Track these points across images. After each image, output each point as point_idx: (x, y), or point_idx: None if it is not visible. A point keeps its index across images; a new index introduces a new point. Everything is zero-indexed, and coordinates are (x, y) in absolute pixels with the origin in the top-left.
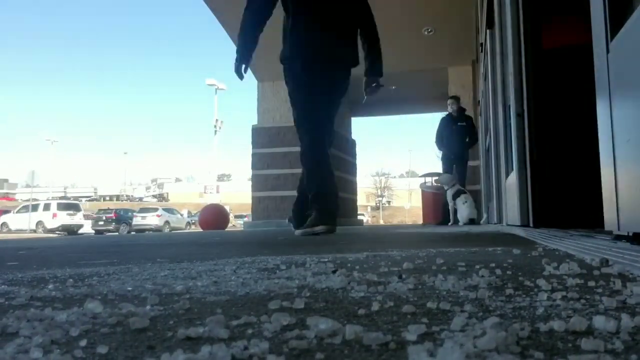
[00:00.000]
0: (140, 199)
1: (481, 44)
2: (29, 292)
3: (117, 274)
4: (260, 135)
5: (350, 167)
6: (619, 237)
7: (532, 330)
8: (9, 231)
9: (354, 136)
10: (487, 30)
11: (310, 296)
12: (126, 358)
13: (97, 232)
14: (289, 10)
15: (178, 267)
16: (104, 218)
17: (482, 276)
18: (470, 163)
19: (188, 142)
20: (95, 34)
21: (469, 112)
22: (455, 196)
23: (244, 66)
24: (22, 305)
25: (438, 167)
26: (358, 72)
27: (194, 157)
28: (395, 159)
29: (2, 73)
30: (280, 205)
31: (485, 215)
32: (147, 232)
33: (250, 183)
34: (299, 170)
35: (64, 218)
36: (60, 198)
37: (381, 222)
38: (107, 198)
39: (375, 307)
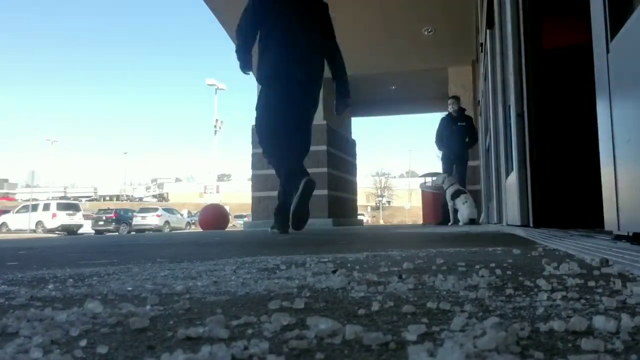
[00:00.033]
0: (140, 199)
1: (481, 44)
2: (29, 292)
3: (117, 274)
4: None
5: (350, 167)
6: (619, 237)
7: (532, 330)
8: (9, 231)
9: (354, 136)
10: (487, 30)
11: (310, 296)
12: (126, 358)
13: (97, 232)
14: (262, 36)
15: (178, 267)
16: (104, 218)
17: (482, 276)
18: (470, 163)
19: (188, 142)
20: (95, 34)
21: (469, 112)
22: (454, 196)
23: (248, 71)
24: (22, 305)
25: (438, 167)
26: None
27: (194, 157)
28: (395, 159)
29: (2, 73)
30: None
31: (483, 215)
32: (147, 232)
33: (250, 183)
34: None
35: (64, 218)
36: (60, 198)
37: (381, 222)
38: (107, 198)
39: (375, 307)
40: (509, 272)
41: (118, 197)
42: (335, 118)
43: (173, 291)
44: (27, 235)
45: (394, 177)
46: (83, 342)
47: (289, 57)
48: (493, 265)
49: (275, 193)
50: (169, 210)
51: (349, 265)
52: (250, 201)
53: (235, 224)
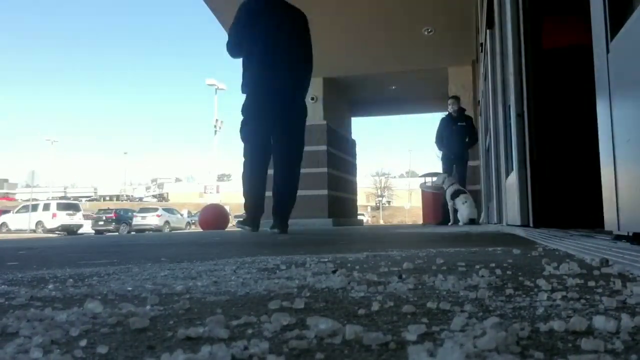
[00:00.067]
0: (140, 199)
1: (481, 44)
2: (29, 292)
3: (117, 274)
4: None
5: (350, 167)
6: (619, 237)
7: (532, 330)
8: (9, 231)
9: (354, 136)
10: (487, 30)
11: (310, 296)
12: (126, 358)
13: (97, 232)
14: (246, 49)
15: (178, 267)
16: (104, 218)
17: (482, 276)
18: (470, 163)
19: (188, 142)
20: (95, 34)
21: (469, 112)
22: (454, 196)
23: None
24: (22, 305)
25: (438, 167)
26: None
27: (194, 157)
28: (395, 159)
29: (2, 73)
30: None
31: (482, 215)
32: (147, 232)
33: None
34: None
35: (64, 218)
36: (60, 198)
37: (381, 222)
38: (107, 198)
39: (375, 307)
40: (509, 272)
41: (118, 197)
42: (335, 118)
43: (173, 291)
44: (27, 235)
45: (394, 177)
46: (83, 342)
47: (272, 68)
48: (493, 265)
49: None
50: (169, 210)
51: (349, 265)
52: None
53: (235, 224)
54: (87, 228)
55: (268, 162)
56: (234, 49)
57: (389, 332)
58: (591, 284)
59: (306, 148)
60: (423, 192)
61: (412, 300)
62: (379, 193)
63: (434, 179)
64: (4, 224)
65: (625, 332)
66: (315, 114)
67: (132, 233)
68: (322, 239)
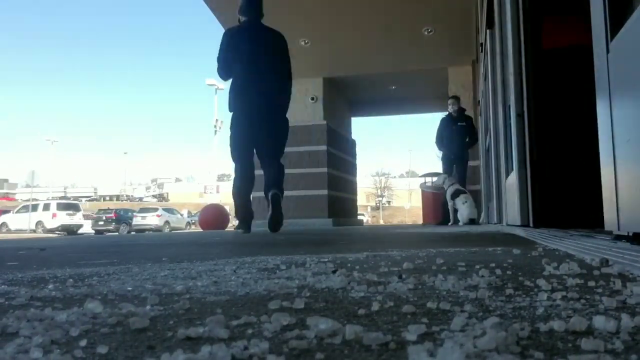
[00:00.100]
0: (140, 199)
1: (481, 44)
2: (29, 292)
3: (117, 274)
4: None
5: (350, 167)
6: (619, 237)
7: (532, 330)
8: (9, 231)
9: (354, 136)
10: (487, 30)
11: (310, 296)
12: (126, 358)
13: (97, 232)
14: (230, 74)
15: (178, 267)
16: (104, 218)
17: (482, 276)
18: (470, 163)
19: (188, 142)
20: (95, 34)
21: (469, 112)
22: (454, 196)
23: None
24: (22, 305)
25: (438, 167)
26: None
27: (194, 157)
28: (395, 159)
29: (2, 73)
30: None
31: (483, 215)
32: (147, 232)
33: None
34: (299, 171)
35: (64, 218)
36: (60, 198)
37: (381, 222)
38: (107, 198)
39: (375, 307)
40: (509, 272)
41: (118, 197)
42: (335, 118)
43: (173, 291)
44: (27, 235)
45: (394, 177)
46: (83, 342)
47: (252, 86)
48: (493, 265)
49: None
50: (169, 210)
51: (349, 265)
52: None
53: (235, 224)
54: (87, 228)
55: (252, 175)
56: (222, 72)
57: (389, 332)
58: (591, 284)
59: (306, 148)
60: (423, 192)
61: (412, 300)
62: (379, 193)
63: (434, 179)
64: (4, 224)
65: (625, 332)
66: (315, 114)
67: (132, 233)
68: (322, 239)
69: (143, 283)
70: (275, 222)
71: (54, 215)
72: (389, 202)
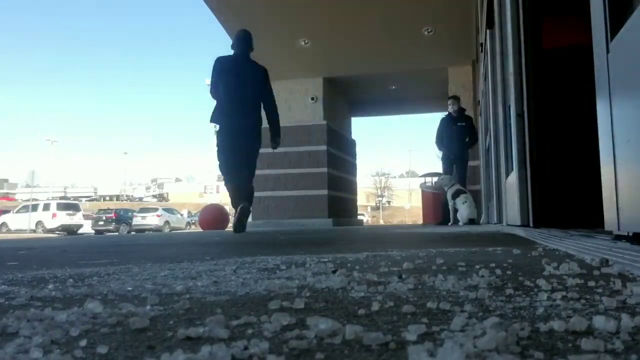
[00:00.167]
0: (140, 199)
1: (481, 44)
2: (29, 292)
3: (117, 274)
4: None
5: (350, 167)
6: (619, 237)
7: (532, 330)
8: (9, 231)
9: (354, 136)
10: (487, 30)
11: (310, 296)
12: (126, 358)
13: (97, 232)
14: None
15: (178, 267)
16: (104, 218)
17: (482, 276)
18: (470, 163)
19: (188, 142)
20: (95, 33)
21: (469, 112)
22: (455, 196)
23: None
24: (22, 305)
25: (438, 167)
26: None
27: (194, 157)
28: (395, 159)
29: (2, 73)
30: (280, 205)
31: (483, 215)
32: (147, 232)
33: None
34: (299, 171)
35: (64, 218)
36: (60, 198)
37: (381, 222)
38: (107, 198)
39: (375, 307)
40: (509, 272)
41: (118, 197)
42: (335, 118)
43: (173, 291)
44: (27, 235)
45: (394, 177)
46: (83, 342)
47: (233, 111)
48: (493, 265)
49: (275, 193)
50: (169, 210)
51: (349, 265)
52: None
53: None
54: (87, 228)
55: (241, 181)
56: (212, 93)
57: (389, 332)
58: (591, 284)
59: (306, 148)
60: (423, 192)
61: (412, 300)
62: (379, 193)
63: (434, 179)
64: (4, 224)
65: (625, 332)
66: (315, 114)
67: (132, 233)
68: (322, 239)
69: (143, 283)
70: (240, 226)
71: (54, 215)
72: (389, 202)
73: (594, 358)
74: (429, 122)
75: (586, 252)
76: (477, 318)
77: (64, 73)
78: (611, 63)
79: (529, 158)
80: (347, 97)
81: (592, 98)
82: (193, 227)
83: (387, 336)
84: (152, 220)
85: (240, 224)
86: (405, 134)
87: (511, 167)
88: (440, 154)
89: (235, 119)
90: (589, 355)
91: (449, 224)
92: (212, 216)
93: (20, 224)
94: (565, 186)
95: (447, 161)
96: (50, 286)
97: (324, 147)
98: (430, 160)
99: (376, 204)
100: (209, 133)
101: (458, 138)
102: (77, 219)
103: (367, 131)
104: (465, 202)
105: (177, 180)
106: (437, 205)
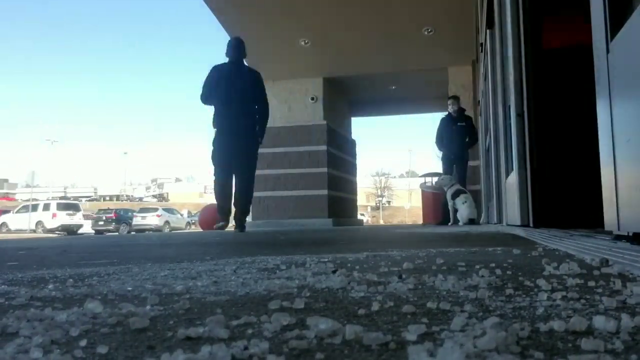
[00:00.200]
0: (140, 199)
1: (481, 44)
2: (29, 292)
3: (117, 274)
4: None
5: (350, 167)
6: (619, 237)
7: (532, 330)
8: (9, 231)
9: (354, 136)
10: (487, 30)
11: (310, 296)
12: (126, 358)
13: (97, 232)
14: (213, 102)
15: (178, 267)
16: (104, 218)
17: (482, 276)
18: (470, 163)
19: (188, 142)
20: (95, 33)
21: (469, 112)
22: (455, 196)
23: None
24: (22, 305)
25: (438, 167)
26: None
27: (194, 157)
28: (395, 159)
29: (2, 73)
30: (281, 205)
31: (483, 215)
32: (147, 232)
33: None
34: (299, 171)
35: (64, 218)
36: (60, 198)
37: (381, 222)
38: (107, 198)
39: (375, 307)
40: (509, 272)
41: (118, 197)
42: (335, 118)
43: (173, 291)
44: (27, 235)
45: (394, 177)
46: (83, 342)
47: (232, 114)
48: (493, 265)
49: (275, 193)
50: (169, 210)
51: (349, 265)
52: None
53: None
54: (87, 228)
55: (230, 181)
56: (203, 98)
57: (389, 332)
58: (591, 284)
59: (306, 148)
60: (423, 192)
61: (412, 300)
62: (379, 193)
63: (434, 179)
64: (4, 224)
65: (625, 332)
66: (315, 114)
67: (132, 233)
68: (322, 239)
69: (143, 283)
70: (240, 226)
71: (54, 215)
72: (389, 202)
73: (594, 358)
74: (429, 122)
75: (586, 252)
76: (477, 318)
77: (65, 73)
78: (611, 63)
79: (529, 158)
80: (347, 97)
81: (592, 98)
82: (193, 227)
83: (387, 336)
84: (152, 220)
85: (240, 224)
86: (405, 134)
87: (511, 167)
88: (440, 154)
89: (234, 121)
90: (589, 355)
91: (449, 224)
92: (212, 216)
93: (20, 224)
94: (565, 186)
95: (447, 161)
96: (50, 286)
97: (324, 147)
98: (430, 160)
99: (376, 204)
100: (209, 133)
101: (458, 138)
102: (77, 219)
103: (367, 131)
104: (465, 202)
105: (177, 180)
106: (437, 205)
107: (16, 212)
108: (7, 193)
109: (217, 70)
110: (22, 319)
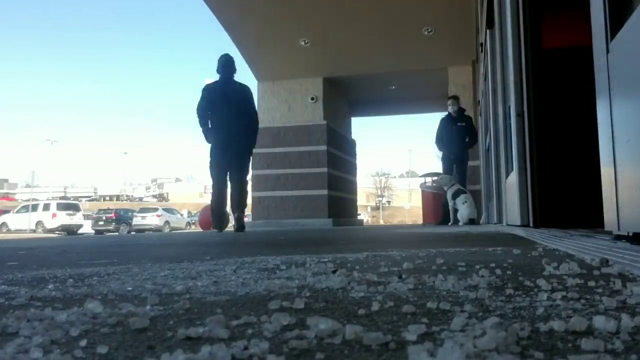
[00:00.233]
0: (140, 199)
1: (481, 44)
2: (29, 292)
3: (117, 274)
4: (260, 135)
5: (350, 167)
6: (619, 237)
7: (532, 330)
8: (9, 231)
9: (354, 136)
10: (487, 30)
11: (310, 296)
12: (126, 358)
13: (97, 232)
14: (210, 116)
15: (178, 267)
16: (104, 218)
17: (482, 276)
18: (470, 163)
19: (188, 142)
20: (95, 33)
21: (469, 112)
22: (455, 196)
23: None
24: (22, 305)
25: (438, 167)
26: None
27: (194, 157)
28: (395, 159)
29: (2, 73)
30: (280, 205)
31: (483, 215)
32: (147, 232)
33: (250, 183)
34: (299, 171)
35: (64, 218)
36: (60, 198)
37: (381, 222)
38: (107, 198)
39: (375, 307)
40: (509, 272)
41: (118, 197)
42: (335, 118)
43: (173, 291)
44: (27, 235)
45: (394, 177)
46: (83, 342)
47: (224, 129)
48: (493, 265)
49: (275, 193)
50: (169, 210)
51: (349, 265)
52: (250, 201)
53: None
54: (87, 228)
55: (224, 190)
56: (199, 119)
57: (389, 332)
58: (591, 284)
59: (306, 148)
60: (423, 192)
61: (412, 300)
62: (379, 193)
63: (434, 179)
64: (4, 224)
65: (625, 332)
66: (315, 114)
67: (132, 233)
68: (322, 239)
69: (143, 283)
70: (240, 226)
71: (54, 215)
72: (389, 202)
73: (594, 358)
74: (429, 122)
75: (586, 252)
76: (477, 318)
77: (65, 73)
78: (611, 63)
79: (529, 158)
80: (347, 97)
81: (592, 98)
82: (193, 227)
83: (387, 336)
84: (152, 220)
85: (239, 224)
86: (405, 134)
87: (511, 167)
88: (440, 154)
89: (227, 134)
90: (589, 355)
91: (449, 224)
92: None
93: (20, 224)
94: (565, 186)
95: (447, 161)
96: (50, 286)
97: (324, 147)
98: (430, 160)
99: (376, 204)
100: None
101: (458, 138)
102: (77, 219)
103: (367, 131)
104: (465, 202)
105: (177, 180)
106: (437, 205)
107: (16, 212)
108: (7, 193)
109: (210, 91)
110: (22, 319)
